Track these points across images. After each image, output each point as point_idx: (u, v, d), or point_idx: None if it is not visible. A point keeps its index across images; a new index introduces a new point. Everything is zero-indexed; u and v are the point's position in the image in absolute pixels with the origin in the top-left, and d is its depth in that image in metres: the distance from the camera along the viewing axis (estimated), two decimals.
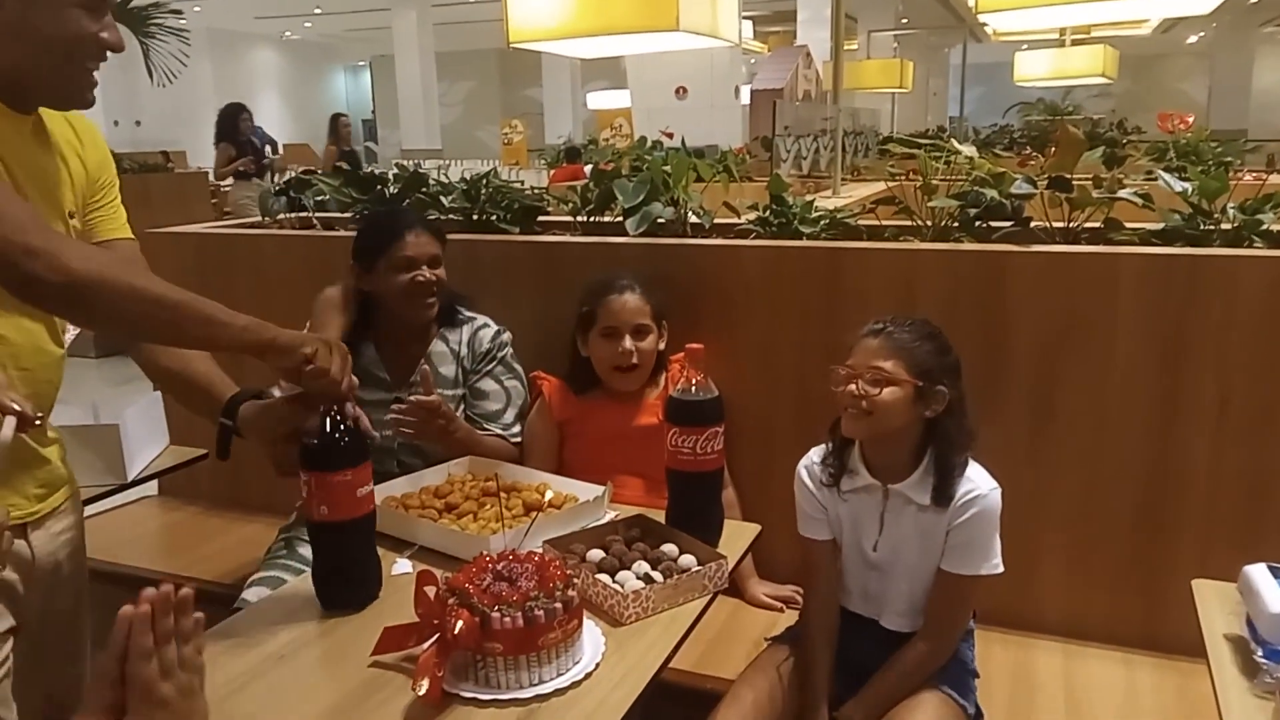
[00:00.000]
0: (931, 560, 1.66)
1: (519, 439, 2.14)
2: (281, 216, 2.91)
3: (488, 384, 2.15)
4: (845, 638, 1.74)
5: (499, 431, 2.10)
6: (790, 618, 2.02)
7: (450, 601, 1.27)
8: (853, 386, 1.62)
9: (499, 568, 1.32)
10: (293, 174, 3.34)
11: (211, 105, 15.91)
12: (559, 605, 1.27)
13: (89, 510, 2.33)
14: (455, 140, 16.80)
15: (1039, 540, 2.01)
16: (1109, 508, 1.97)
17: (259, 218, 2.95)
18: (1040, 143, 5.29)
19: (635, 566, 1.54)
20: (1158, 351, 1.90)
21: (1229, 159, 4.03)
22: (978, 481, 1.64)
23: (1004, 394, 2.00)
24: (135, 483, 2.14)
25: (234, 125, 7.80)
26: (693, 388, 1.64)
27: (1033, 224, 2.19)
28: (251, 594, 1.90)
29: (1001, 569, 1.64)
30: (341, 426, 1.42)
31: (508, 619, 1.24)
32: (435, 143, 14.92)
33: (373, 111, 21.66)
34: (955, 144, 2.27)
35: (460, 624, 1.22)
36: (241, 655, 1.36)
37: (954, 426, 1.64)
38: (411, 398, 1.93)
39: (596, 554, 1.59)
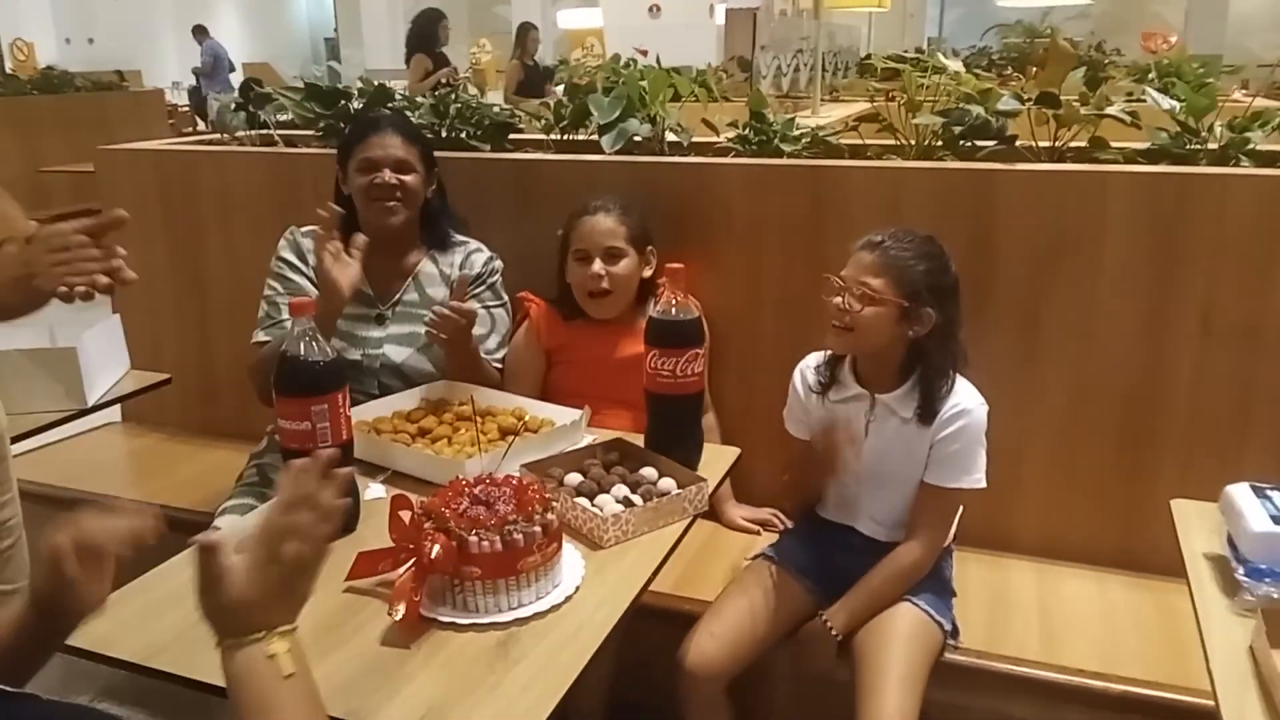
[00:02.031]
0: (912, 472, 1.67)
1: (500, 365, 2.09)
2: (241, 133, 2.79)
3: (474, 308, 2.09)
4: (822, 546, 1.76)
5: (482, 356, 2.05)
6: (771, 539, 2.02)
7: (426, 526, 1.24)
8: (839, 299, 1.60)
9: (476, 491, 1.29)
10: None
11: (168, 23, 15.32)
12: (538, 529, 1.24)
13: (49, 437, 2.28)
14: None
15: (1019, 460, 2.01)
16: (1091, 427, 1.97)
17: None
18: (1019, 64, 5.20)
19: (614, 490, 1.51)
20: (1145, 270, 1.87)
21: (1209, 80, 3.97)
22: (964, 397, 1.64)
23: (990, 314, 1.97)
24: (96, 408, 2.07)
25: (432, 34, 6.79)
26: (673, 308, 1.60)
27: (1018, 143, 2.15)
28: (223, 522, 1.86)
29: (983, 484, 1.65)
30: (317, 349, 1.36)
31: (485, 543, 1.21)
32: (400, 63, 14.48)
33: (335, 30, 20.97)
34: (942, 59, 2.20)
35: (437, 548, 1.19)
36: None
37: (939, 348, 1.63)
38: (454, 302, 1.86)
39: (575, 478, 1.56)
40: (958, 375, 1.66)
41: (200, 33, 12.21)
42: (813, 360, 1.78)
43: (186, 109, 10.75)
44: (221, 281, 2.60)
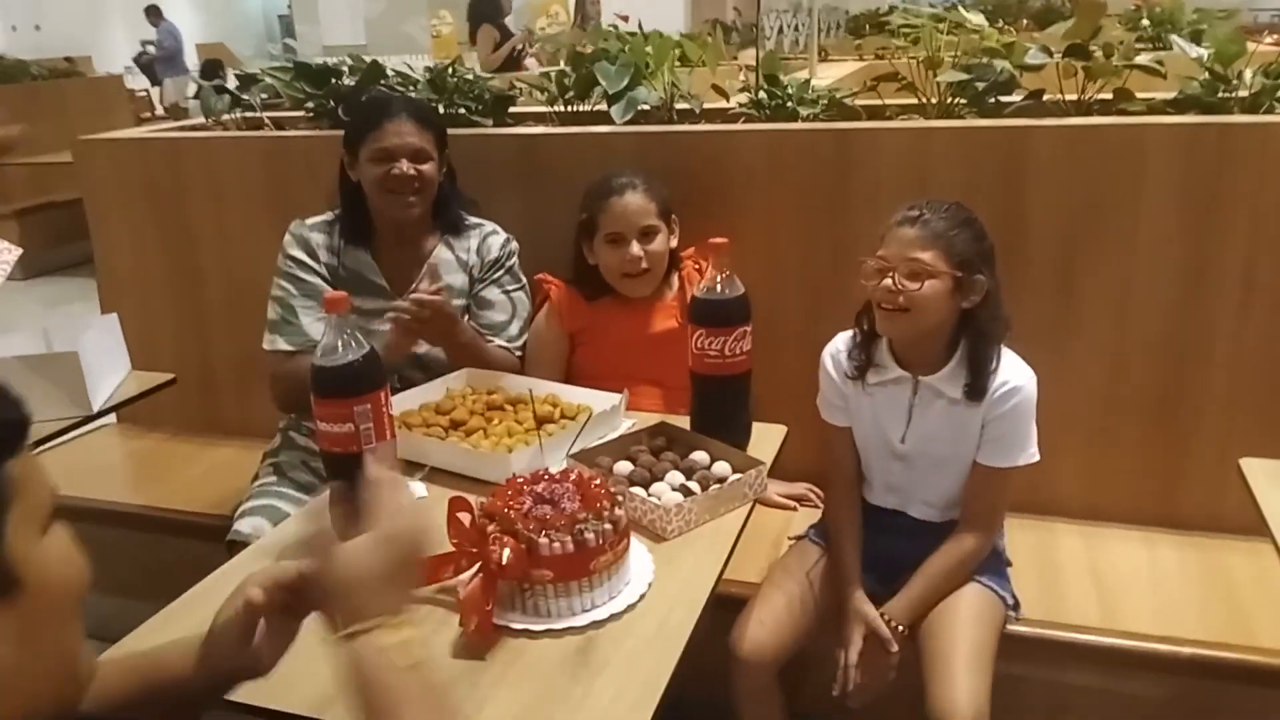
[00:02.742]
0: (964, 452, 1.60)
1: (523, 353, 2.01)
2: (226, 117, 2.67)
3: (493, 293, 2.01)
4: (871, 532, 1.69)
5: (503, 344, 1.97)
6: (809, 515, 1.97)
7: (490, 529, 1.17)
8: (888, 281, 1.51)
9: (538, 489, 1.22)
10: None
11: (116, 6, 14.86)
12: (609, 526, 1.18)
13: (43, 446, 2.18)
14: (381, 35, 15.96)
15: (1059, 423, 1.94)
16: (1131, 389, 1.93)
17: None
18: (1009, 16, 5.10)
19: (669, 478, 1.45)
20: (1184, 225, 1.83)
21: (1203, 26, 3.93)
22: (1014, 372, 1.56)
23: (1024, 276, 1.92)
24: (102, 413, 1.98)
25: (495, 3, 6.25)
26: (718, 285, 1.53)
27: (1044, 98, 2.09)
28: (246, 525, 1.78)
29: (1038, 457, 1.59)
30: (355, 347, 1.27)
31: (556, 544, 1.15)
32: (359, 38, 14.09)
33: (289, 6, 20.44)
34: (963, 12, 2.13)
35: (507, 553, 1.12)
36: None
37: (989, 317, 1.55)
38: (413, 294, 1.78)
39: (624, 466, 1.49)
40: (1003, 347, 1.59)
41: (154, 14, 11.82)
42: (841, 343, 1.68)
43: (144, 94, 10.44)
44: (216, 273, 2.50)
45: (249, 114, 2.66)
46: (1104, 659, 1.62)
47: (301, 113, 2.60)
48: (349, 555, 0.79)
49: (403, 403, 1.73)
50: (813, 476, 2.07)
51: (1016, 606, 1.64)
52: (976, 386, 1.54)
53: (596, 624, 1.16)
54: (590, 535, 1.16)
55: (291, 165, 2.38)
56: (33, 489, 0.57)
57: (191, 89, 6.73)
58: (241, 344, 1.99)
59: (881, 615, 1.56)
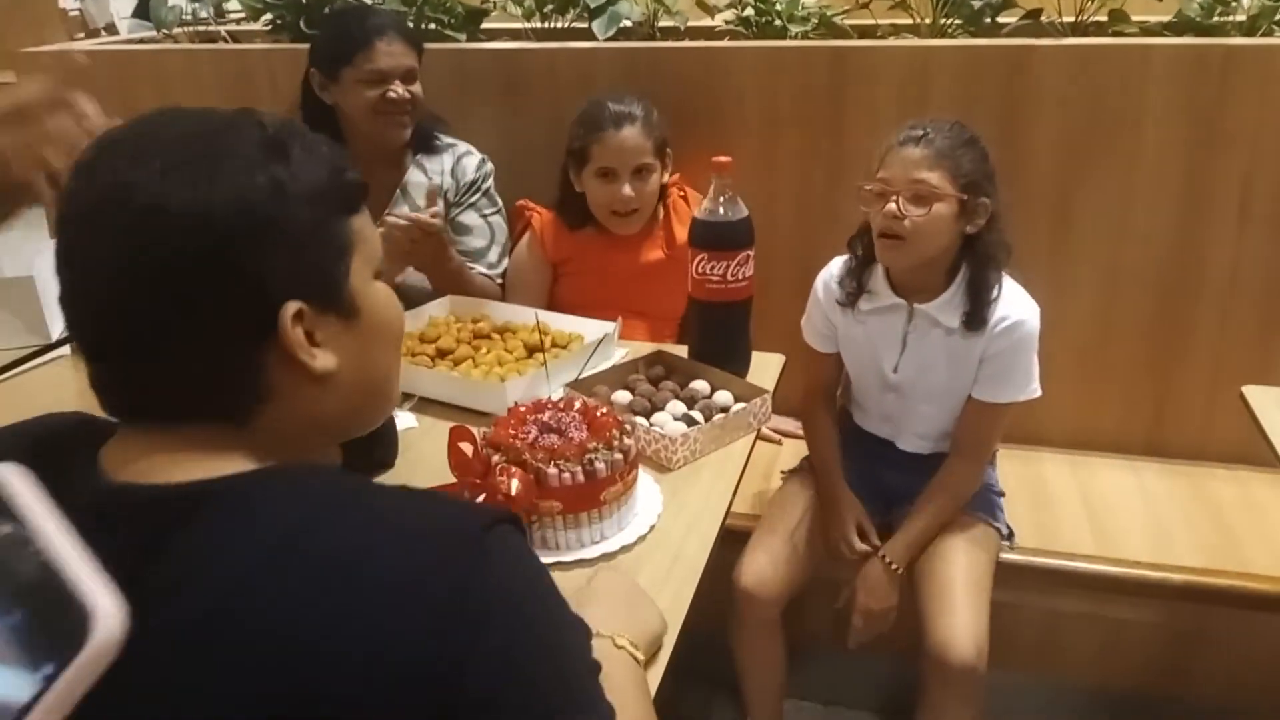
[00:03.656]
0: (960, 383, 1.54)
1: (503, 279, 1.93)
2: (179, 30, 2.51)
3: (470, 218, 1.92)
4: (864, 460, 1.66)
5: (484, 270, 1.90)
6: (799, 448, 1.94)
7: (495, 459, 1.11)
8: (892, 205, 1.41)
9: (544, 418, 1.17)
10: None
11: None
12: (619, 455, 1.12)
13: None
14: None
15: (1050, 352, 1.91)
16: (1123, 317, 1.92)
17: None
18: None
19: (670, 407, 1.40)
20: (1184, 148, 1.80)
21: None
22: (1016, 304, 1.49)
23: (1019, 200, 1.86)
24: (61, 342, 1.86)
25: None
26: (720, 207, 1.46)
27: (1041, 18, 2.03)
28: None
29: (1039, 392, 1.54)
30: None
31: (566, 474, 1.09)
32: None
33: None
34: None
35: (516, 483, 1.07)
36: None
37: (992, 242, 1.47)
38: (412, 213, 1.69)
39: (623, 396, 1.44)
40: (1004, 275, 1.52)
41: None
42: (836, 268, 1.60)
43: (77, 12, 9.89)
44: None
45: (203, 27, 2.51)
46: (1097, 585, 1.63)
47: (260, 25, 2.46)
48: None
49: None
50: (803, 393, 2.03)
51: (1011, 536, 1.64)
52: (976, 316, 1.47)
53: (607, 556, 1.12)
54: (601, 465, 1.11)
55: (251, 83, 2.24)
56: (369, 240, 0.70)
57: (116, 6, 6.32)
58: None
59: (881, 557, 1.54)
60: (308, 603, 0.54)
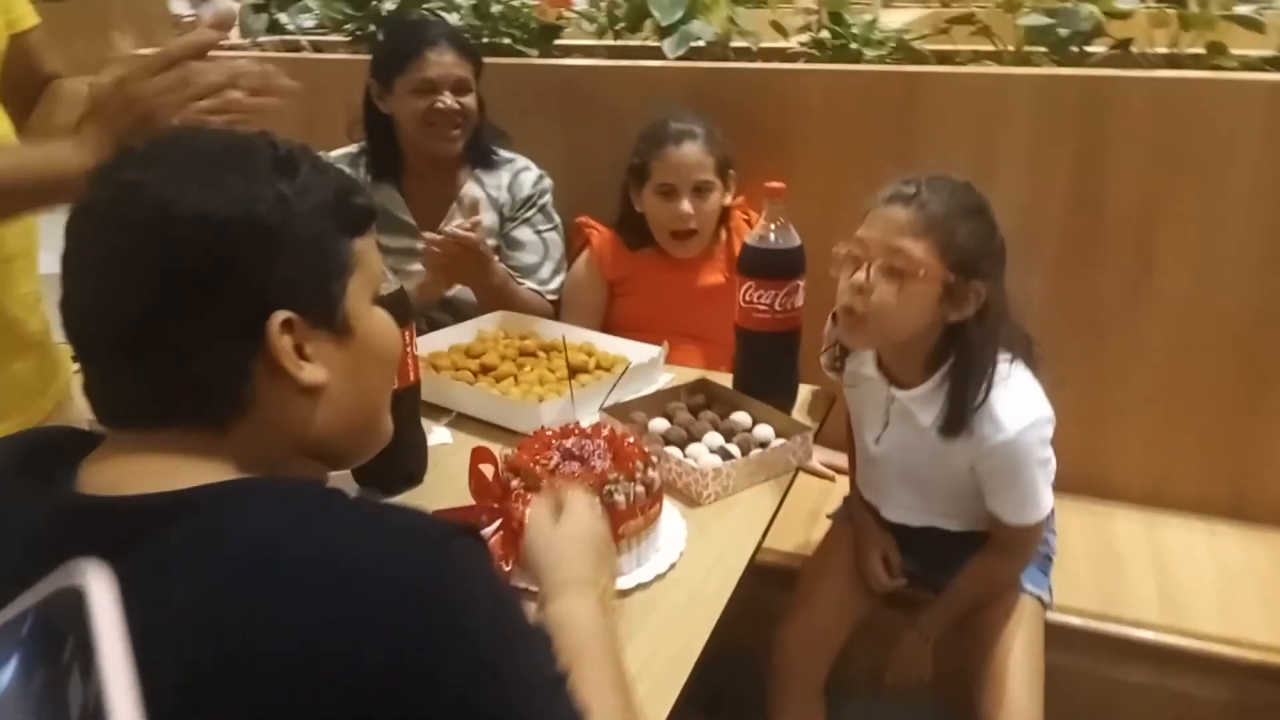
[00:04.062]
0: (945, 479, 1.36)
1: (555, 297, 1.91)
2: (263, 39, 2.57)
3: (525, 233, 1.91)
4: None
5: (535, 287, 1.88)
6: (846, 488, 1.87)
7: (514, 484, 1.08)
8: (860, 275, 1.21)
9: (567, 444, 1.13)
10: None
11: None
12: (641, 489, 1.09)
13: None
14: None
15: (1123, 400, 1.85)
16: (1204, 364, 1.80)
17: None
18: None
19: (707, 439, 1.36)
20: (1276, 192, 1.68)
21: None
22: (1011, 414, 1.24)
23: (1098, 240, 1.79)
24: None
25: None
26: (771, 234, 1.41)
27: (1132, 48, 1.93)
28: None
29: (1047, 511, 1.34)
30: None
31: None
32: None
33: None
34: None
35: (529, 511, 1.03)
36: None
37: (983, 336, 1.23)
38: (449, 227, 1.69)
39: (660, 424, 1.40)
40: (1016, 367, 1.27)
41: None
42: None
43: (193, 18, 10.33)
44: None
45: (288, 36, 2.56)
46: (1162, 657, 1.52)
47: (341, 36, 2.50)
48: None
49: (431, 343, 1.65)
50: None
51: (1050, 601, 1.50)
52: (952, 421, 1.25)
53: (623, 592, 1.07)
54: (620, 497, 1.07)
55: (326, 90, 2.26)
56: (371, 264, 0.70)
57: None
58: None
59: (916, 632, 1.45)
60: (276, 607, 0.54)
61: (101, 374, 0.65)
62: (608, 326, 1.92)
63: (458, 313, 1.85)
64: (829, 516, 1.71)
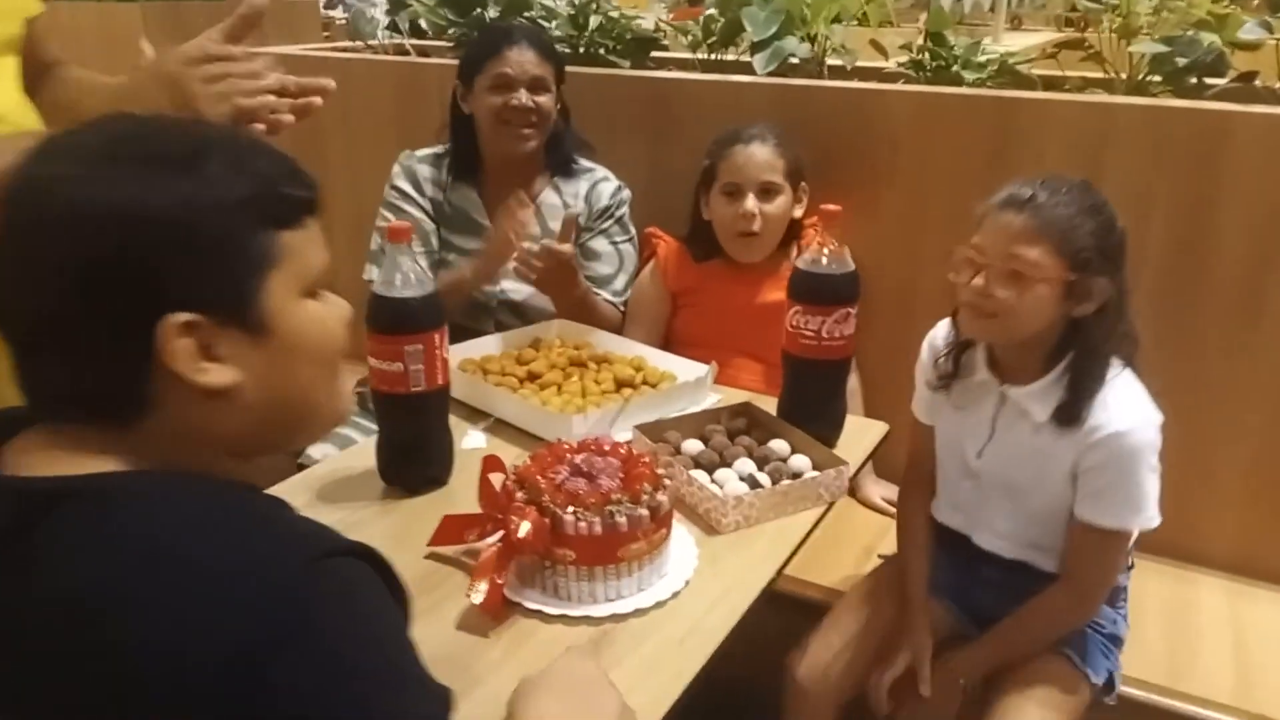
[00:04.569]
0: (1045, 487, 1.30)
1: (625, 309, 1.91)
2: (375, 42, 2.66)
3: (601, 244, 1.91)
4: (951, 570, 1.45)
5: (608, 297, 1.88)
6: None
7: (517, 496, 1.07)
8: (979, 280, 1.23)
9: (578, 460, 1.11)
10: None
11: None
12: (644, 513, 1.05)
13: None
14: None
15: (1217, 460, 1.70)
16: None
17: None
18: None
19: (738, 465, 1.31)
20: None
21: None
22: (1124, 410, 1.24)
23: (1203, 285, 1.65)
24: None
25: None
26: (824, 258, 1.36)
27: (1256, 81, 1.79)
28: (316, 451, 1.76)
29: (1156, 522, 1.27)
30: (415, 283, 1.20)
31: (583, 524, 1.03)
32: None
33: None
34: None
35: (527, 525, 1.02)
36: None
37: (1104, 331, 1.24)
38: (545, 241, 1.71)
39: (694, 445, 1.36)
40: (1125, 370, 1.27)
41: None
42: (941, 335, 1.40)
43: (344, 20, 10.80)
44: (344, 199, 2.49)
45: (397, 39, 2.64)
46: None
47: (445, 42, 2.56)
48: None
49: (485, 346, 1.66)
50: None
51: (1111, 689, 1.38)
52: (1070, 412, 1.25)
53: (618, 617, 1.04)
54: (621, 519, 1.04)
55: (423, 95, 2.32)
56: (304, 257, 0.67)
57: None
58: (358, 271, 1.98)
59: (949, 668, 1.35)
60: (131, 598, 0.55)
61: (14, 366, 0.65)
62: (670, 339, 1.90)
63: (526, 318, 1.87)
64: (880, 556, 1.64)
